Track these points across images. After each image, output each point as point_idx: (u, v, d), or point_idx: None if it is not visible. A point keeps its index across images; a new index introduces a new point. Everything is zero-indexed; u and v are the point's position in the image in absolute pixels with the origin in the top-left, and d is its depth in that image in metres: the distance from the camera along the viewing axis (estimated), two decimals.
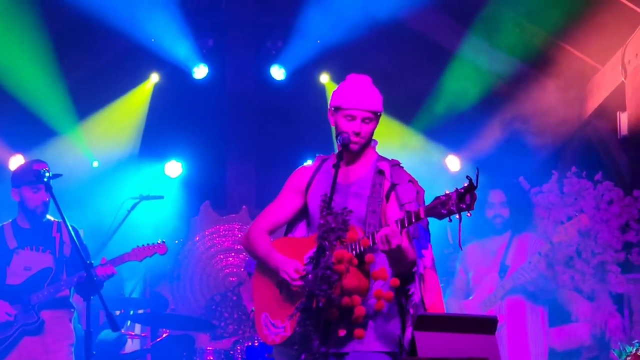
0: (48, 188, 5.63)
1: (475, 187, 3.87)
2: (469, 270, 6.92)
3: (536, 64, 8.60)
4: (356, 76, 4.49)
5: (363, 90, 4.46)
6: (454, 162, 8.94)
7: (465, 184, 3.90)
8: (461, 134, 8.91)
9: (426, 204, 4.27)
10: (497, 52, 8.34)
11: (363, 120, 4.39)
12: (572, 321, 7.48)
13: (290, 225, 4.79)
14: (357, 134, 4.39)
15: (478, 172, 3.88)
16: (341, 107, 4.38)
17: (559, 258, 7.02)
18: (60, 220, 5.83)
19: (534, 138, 8.64)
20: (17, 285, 6.07)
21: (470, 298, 6.87)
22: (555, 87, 8.65)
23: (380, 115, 4.52)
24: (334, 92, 4.45)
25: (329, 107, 4.51)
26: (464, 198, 3.91)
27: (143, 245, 6.67)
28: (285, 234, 4.85)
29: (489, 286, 6.74)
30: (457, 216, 3.97)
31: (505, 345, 6.55)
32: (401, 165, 4.58)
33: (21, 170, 6.24)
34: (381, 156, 4.60)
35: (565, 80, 8.59)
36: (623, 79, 7.56)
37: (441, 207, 4.01)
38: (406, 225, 4.16)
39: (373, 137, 4.63)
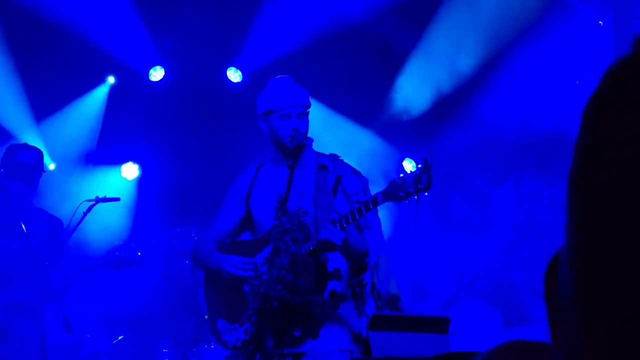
0: (32, 175, 6.11)
1: (431, 167, 4.05)
2: None
3: (489, 67, 8.64)
4: (278, 78, 4.76)
5: (290, 88, 4.70)
6: (408, 164, 8.97)
7: (420, 165, 4.08)
8: (417, 136, 8.93)
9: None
10: (452, 55, 8.46)
11: (298, 115, 4.58)
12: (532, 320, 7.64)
13: (237, 234, 4.93)
14: (297, 130, 4.55)
15: (431, 152, 4.10)
16: (273, 109, 4.56)
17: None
18: (45, 210, 6.30)
19: (489, 140, 8.72)
20: None
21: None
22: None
23: (309, 108, 4.74)
24: (259, 98, 4.69)
25: (258, 114, 4.71)
26: (420, 178, 4.09)
27: (118, 254, 6.75)
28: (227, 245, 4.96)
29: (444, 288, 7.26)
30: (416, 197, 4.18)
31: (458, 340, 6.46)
32: (340, 157, 4.79)
33: (5, 155, 6.31)
34: (319, 152, 4.81)
35: None
36: None
37: (398, 190, 4.17)
38: (357, 217, 4.28)
39: (310, 136, 4.82)
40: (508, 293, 7.60)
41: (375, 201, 4.30)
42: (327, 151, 4.95)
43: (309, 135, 4.94)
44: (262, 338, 4.41)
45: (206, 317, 5.26)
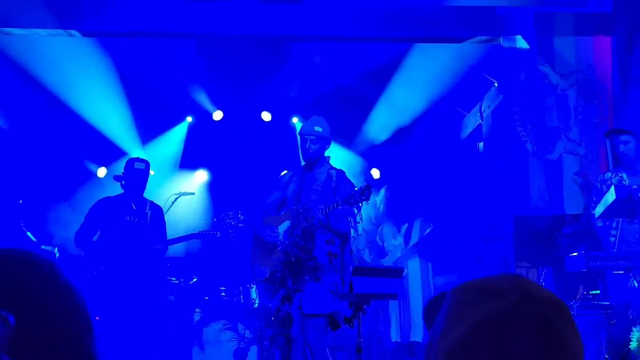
0: (143, 178, 6.80)
1: (371, 187, 5.08)
2: (385, 241, 8.14)
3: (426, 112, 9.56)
4: (315, 118, 5.72)
5: (308, 123, 5.62)
6: (376, 173, 9.81)
7: (365, 184, 5.08)
8: (380, 155, 10.00)
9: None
10: (403, 103, 9.46)
11: (310, 140, 5.49)
12: (450, 272, 8.82)
13: (278, 210, 5.75)
14: (307, 150, 5.50)
15: (369, 178, 5.36)
16: (300, 133, 5.65)
17: (440, 234, 8.28)
18: (151, 201, 7.00)
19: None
20: (118, 242, 6.72)
21: (385, 258, 8.03)
22: None
23: (324, 137, 5.53)
24: (303, 126, 5.84)
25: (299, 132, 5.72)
26: (364, 193, 5.12)
27: (201, 231, 7.66)
28: (275, 213, 5.71)
29: (397, 252, 8.02)
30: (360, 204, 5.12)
31: (408, 284, 7.56)
32: (343, 171, 5.77)
33: (127, 165, 6.91)
34: (332, 166, 5.68)
35: None
36: (480, 122, 8.97)
37: (351, 199, 5.20)
38: (330, 210, 5.25)
39: (327, 155, 5.62)
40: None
41: (338, 204, 5.28)
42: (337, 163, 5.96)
43: (326, 154, 5.74)
44: (284, 279, 5.13)
45: (249, 261, 6.07)
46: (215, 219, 8.82)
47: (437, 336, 1.13)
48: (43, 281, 1.18)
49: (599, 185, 6.69)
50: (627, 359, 5.14)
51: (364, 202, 5.17)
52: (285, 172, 5.89)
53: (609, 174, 6.69)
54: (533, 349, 1.08)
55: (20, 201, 6.67)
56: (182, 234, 8.03)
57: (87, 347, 1.16)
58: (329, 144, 5.67)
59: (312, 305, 5.25)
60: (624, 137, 6.53)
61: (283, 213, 5.58)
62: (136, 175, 6.76)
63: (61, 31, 7.79)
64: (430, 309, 2.04)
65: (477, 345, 1.09)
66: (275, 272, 5.21)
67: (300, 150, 5.60)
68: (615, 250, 6.21)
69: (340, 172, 5.65)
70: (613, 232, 6.44)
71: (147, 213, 6.82)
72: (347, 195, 5.24)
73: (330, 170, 5.58)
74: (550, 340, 1.11)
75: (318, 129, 5.52)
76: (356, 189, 5.27)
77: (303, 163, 5.70)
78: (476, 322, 1.09)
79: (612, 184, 6.43)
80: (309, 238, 5.26)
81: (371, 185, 5.08)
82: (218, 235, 7.43)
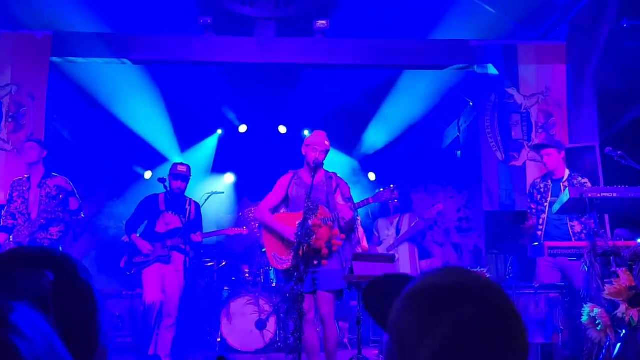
0: (185, 179, 6.72)
1: (396, 189, 5.28)
2: (380, 232, 8.20)
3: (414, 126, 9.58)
4: (318, 131, 5.63)
5: (321, 136, 5.51)
6: (372, 176, 9.94)
7: (392, 186, 5.39)
8: (376, 162, 10.04)
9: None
10: (395, 119, 9.48)
11: (320, 151, 5.41)
12: (433, 257, 8.93)
13: (278, 207, 5.59)
14: (317, 159, 5.36)
15: (395, 185, 5.37)
16: (309, 144, 5.46)
17: (425, 226, 8.44)
18: (191, 198, 6.90)
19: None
20: (161, 233, 6.63)
21: (380, 246, 8.06)
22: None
23: (329, 149, 5.48)
24: (306, 139, 5.63)
25: (304, 144, 5.56)
26: (393, 192, 5.40)
27: (230, 227, 7.62)
28: (274, 212, 5.56)
29: (390, 240, 8.06)
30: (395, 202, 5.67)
31: (400, 268, 7.51)
32: (338, 174, 5.66)
33: (179, 167, 6.80)
34: (327, 171, 5.61)
35: None
36: (458, 134, 9.43)
37: (381, 197, 5.36)
38: (360, 207, 5.35)
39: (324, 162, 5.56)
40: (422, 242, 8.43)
41: (368, 200, 5.42)
42: (330, 168, 5.72)
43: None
44: (298, 265, 5.01)
45: (263, 250, 6.26)
46: (240, 213, 9.03)
47: (412, 338, 1.01)
48: (67, 271, 1.18)
49: (531, 189, 6.75)
50: (578, 331, 4.93)
51: (392, 201, 5.48)
52: (289, 173, 5.71)
53: (538, 180, 6.73)
54: (509, 333, 1.02)
55: (82, 214, 6.42)
56: (213, 226, 8.22)
57: (97, 320, 1.17)
58: None
59: (326, 283, 5.28)
60: (545, 150, 6.58)
61: (299, 211, 5.36)
62: (178, 175, 6.72)
63: (115, 60, 7.78)
64: (370, 295, 1.78)
65: (465, 342, 0.99)
66: (289, 259, 5.16)
67: (306, 156, 5.46)
68: (542, 241, 6.20)
69: (336, 175, 5.64)
70: (540, 227, 6.48)
71: (186, 209, 6.73)
72: (379, 194, 5.41)
73: (328, 173, 5.56)
74: (516, 322, 1.04)
75: (327, 143, 5.49)
76: (381, 190, 5.45)
77: (303, 167, 5.58)
78: (457, 321, 1.00)
79: (540, 189, 6.55)
80: (318, 229, 5.21)
81: (396, 187, 5.24)
82: (245, 231, 7.34)
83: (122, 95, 8.90)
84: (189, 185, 6.91)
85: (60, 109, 8.34)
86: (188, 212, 6.70)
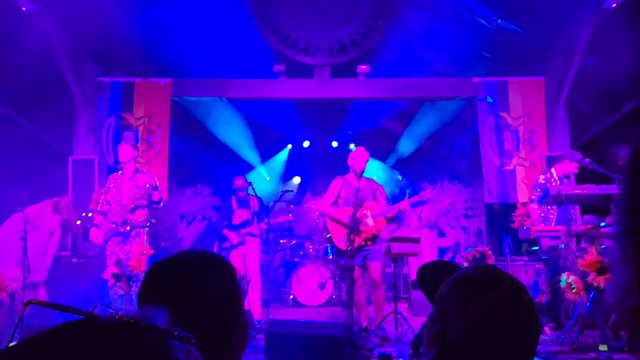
0: (242, 189, 6.46)
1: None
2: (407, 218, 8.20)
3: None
4: (360, 148, 5.52)
5: (363, 152, 5.43)
6: (400, 177, 9.69)
7: (432, 187, 5.72)
8: (405, 168, 9.95)
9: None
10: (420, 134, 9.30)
11: (365, 162, 5.35)
12: (446, 236, 8.59)
13: (333, 204, 5.45)
14: (363, 168, 5.35)
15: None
16: (356, 157, 5.37)
17: (439, 214, 8.40)
18: (253, 195, 6.58)
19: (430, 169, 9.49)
20: (236, 224, 6.46)
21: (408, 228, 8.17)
22: None
23: (368, 160, 5.37)
24: (352, 152, 5.48)
25: (349, 156, 5.46)
26: (432, 192, 5.60)
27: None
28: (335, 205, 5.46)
29: (413, 225, 8.13)
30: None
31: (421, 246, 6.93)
32: (375, 179, 5.72)
33: (237, 180, 6.59)
34: (366, 177, 5.49)
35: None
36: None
37: (425, 196, 5.35)
38: (412, 202, 5.25)
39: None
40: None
41: (414, 198, 5.32)
42: (369, 174, 6.09)
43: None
44: (352, 244, 5.00)
45: (328, 235, 5.68)
46: (305, 206, 8.95)
47: (452, 312, 0.97)
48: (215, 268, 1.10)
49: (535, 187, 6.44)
50: (557, 293, 4.83)
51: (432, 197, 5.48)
52: (344, 177, 5.53)
53: (542, 176, 6.39)
54: (525, 322, 0.96)
55: (153, 220, 5.87)
56: (285, 212, 8.01)
57: (238, 306, 1.09)
58: None
59: (375, 256, 5.21)
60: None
61: (350, 207, 5.18)
62: (238, 187, 6.49)
63: (216, 97, 7.76)
64: (425, 275, 1.75)
65: (492, 317, 0.94)
66: (347, 242, 5.01)
67: (353, 166, 5.29)
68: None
69: (374, 180, 5.56)
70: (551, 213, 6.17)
71: (250, 205, 6.47)
72: (422, 193, 5.34)
73: (368, 179, 5.45)
74: (531, 313, 0.98)
75: (367, 155, 5.40)
76: (423, 190, 5.44)
77: (349, 173, 5.38)
78: (489, 301, 0.95)
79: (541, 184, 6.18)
80: (366, 219, 5.15)
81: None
82: (290, 217, 7.15)
83: (221, 122, 8.90)
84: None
85: (178, 133, 8.39)
86: (252, 207, 6.49)
